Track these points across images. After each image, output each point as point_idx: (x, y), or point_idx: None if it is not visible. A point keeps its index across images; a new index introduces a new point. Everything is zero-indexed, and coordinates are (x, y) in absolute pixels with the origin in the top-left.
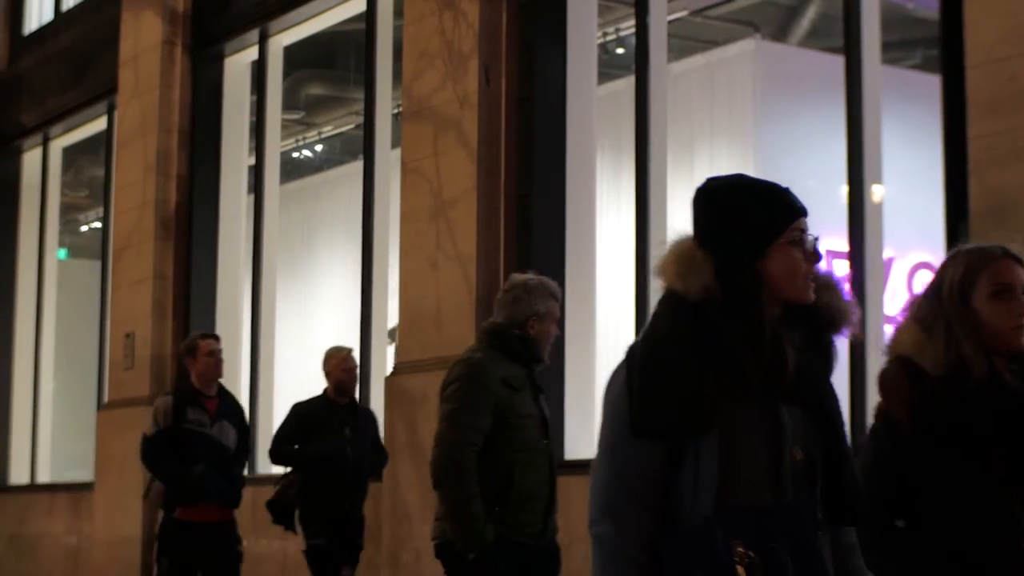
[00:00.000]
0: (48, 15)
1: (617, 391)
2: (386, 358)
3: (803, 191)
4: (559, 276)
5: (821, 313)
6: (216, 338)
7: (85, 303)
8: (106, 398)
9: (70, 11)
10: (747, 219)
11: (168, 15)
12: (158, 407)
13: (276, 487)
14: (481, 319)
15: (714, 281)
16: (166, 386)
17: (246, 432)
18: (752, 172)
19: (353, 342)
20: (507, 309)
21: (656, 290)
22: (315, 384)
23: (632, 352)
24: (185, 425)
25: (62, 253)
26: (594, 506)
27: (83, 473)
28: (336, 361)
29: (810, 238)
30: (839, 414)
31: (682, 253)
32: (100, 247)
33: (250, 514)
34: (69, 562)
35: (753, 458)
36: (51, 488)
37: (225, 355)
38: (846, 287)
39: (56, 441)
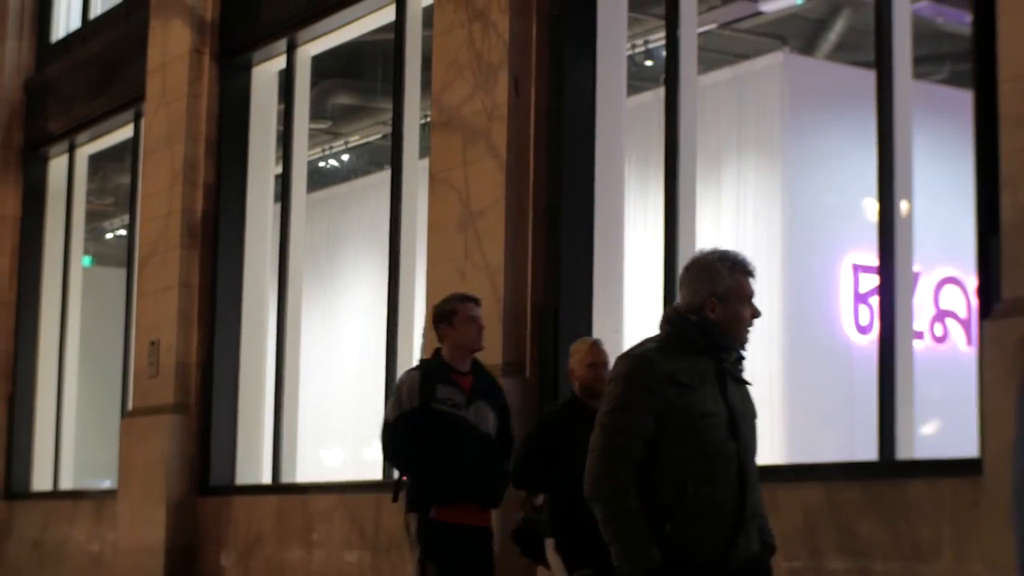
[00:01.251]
0: (76, 23)
1: None
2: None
3: (829, 205)
4: (587, 288)
5: None
6: (476, 301)
7: (110, 311)
8: (130, 406)
9: (98, 19)
10: None
11: (196, 24)
12: (403, 384)
13: (521, 512)
14: (508, 329)
15: None
16: (190, 394)
17: (507, 418)
18: (779, 186)
19: (378, 352)
20: (684, 291)
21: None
22: (340, 393)
23: None
24: (436, 406)
25: (87, 260)
26: None
27: (106, 480)
28: (579, 356)
29: None
30: None
31: None
32: (125, 255)
33: (274, 521)
34: (92, 569)
35: None
36: (74, 495)
37: (249, 364)
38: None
39: (79, 448)
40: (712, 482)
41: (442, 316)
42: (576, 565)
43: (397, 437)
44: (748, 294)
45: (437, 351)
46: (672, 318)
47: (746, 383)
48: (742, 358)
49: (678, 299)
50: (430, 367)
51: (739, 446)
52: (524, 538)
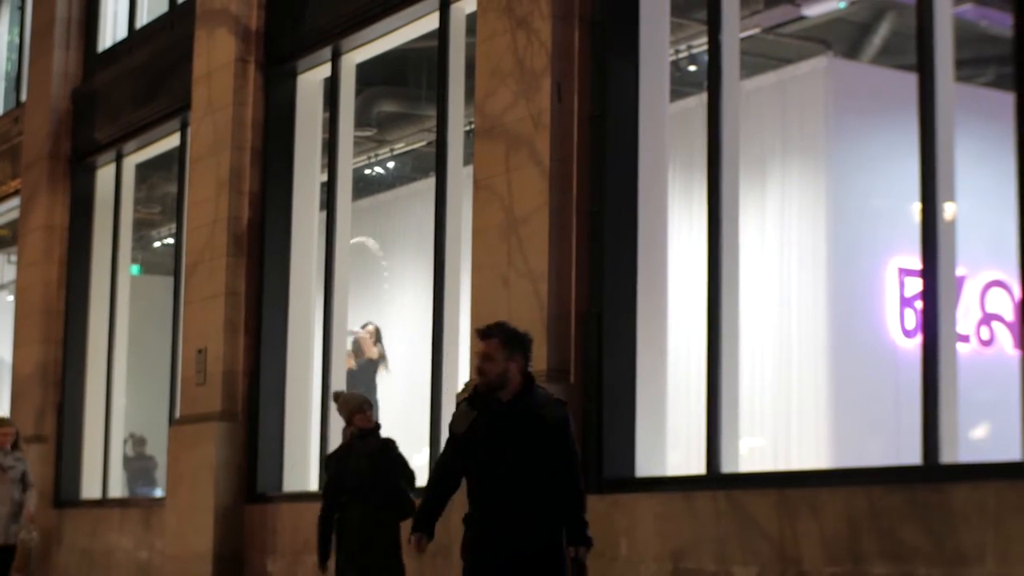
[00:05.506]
0: (122, 32)
1: None
2: (457, 375)
3: (874, 209)
4: (630, 294)
5: None
6: None
7: (157, 319)
8: (178, 413)
9: (144, 28)
10: None
11: (241, 33)
12: None
13: None
14: (552, 336)
15: None
16: (237, 402)
17: None
18: (823, 190)
19: (423, 358)
20: None
21: (727, 305)
22: (385, 400)
23: None
24: None
25: (135, 269)
26: None
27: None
28: None
29: None
30: None
31: None
32: (172, 263)
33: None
34: None
35: None
36: (122, 503)
37: (296, 372)
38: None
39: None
40: None
41: None
42: None
43: None
44: None
45: None
46: None
47: None
48: None
49: None
50: None
51: None
52: None
